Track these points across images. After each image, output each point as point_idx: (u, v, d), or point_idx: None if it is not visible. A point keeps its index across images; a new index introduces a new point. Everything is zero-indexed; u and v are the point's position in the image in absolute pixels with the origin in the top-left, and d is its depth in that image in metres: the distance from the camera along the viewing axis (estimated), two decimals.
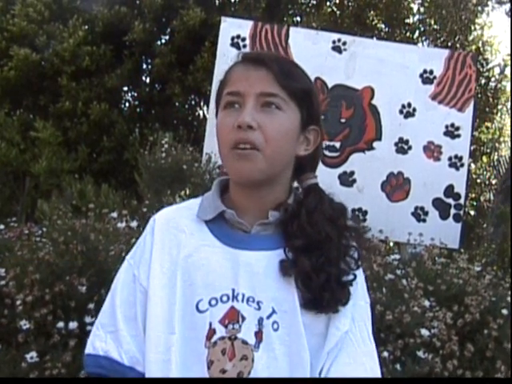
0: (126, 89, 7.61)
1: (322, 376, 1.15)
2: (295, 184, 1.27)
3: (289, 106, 1.17)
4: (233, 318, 1.13)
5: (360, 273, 1.22)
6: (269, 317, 1.13)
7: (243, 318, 1.13)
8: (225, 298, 1.14)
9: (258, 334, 1.12)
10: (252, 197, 1.20)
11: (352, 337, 1.17)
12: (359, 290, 1.21)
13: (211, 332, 1.12)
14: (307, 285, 1.14)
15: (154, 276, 1.18)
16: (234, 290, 1.14)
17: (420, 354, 2.63)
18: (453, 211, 4.64)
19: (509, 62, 8.07)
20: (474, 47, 7.75)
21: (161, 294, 1.16)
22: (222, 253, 1.17)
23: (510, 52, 7.94)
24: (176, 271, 1.17)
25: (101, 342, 1.18)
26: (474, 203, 7.49)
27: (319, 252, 1.16)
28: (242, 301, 1.14)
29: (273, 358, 1.12)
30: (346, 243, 1.20)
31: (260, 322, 1.13)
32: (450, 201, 4.64)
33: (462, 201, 4.67)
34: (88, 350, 1.20)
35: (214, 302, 1.14)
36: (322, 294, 1.13)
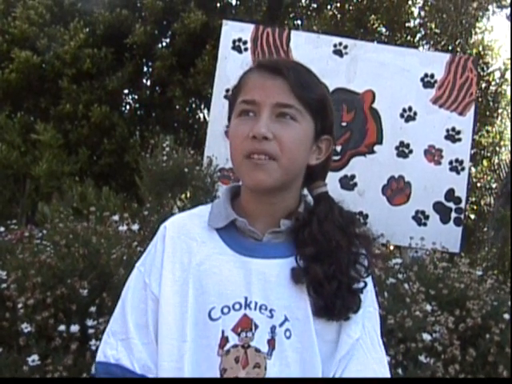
0: (126, 91, 7.61)
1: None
2: (305, 192, 1.27)
3: (303, 117, 1.17)
4: (246, 326, 1.13)
5: (369, 279, 1.23)
6: (281, 325, 1.14)
7: (256, 326, 1.13)
8: (237, 306, 1.14)
9: (271, 342, 1.13)
10: (263, 204, 1.20)
11: (362, 344, 1.18)
12: (369, 297, 1.22)
13: (224, 340, 1.13)
14: (319, 292, 1.14)
15: (165, 284, 1.18)
16: (246, 298, 1.15)
17: (422, 358, 2.63)
18: (453, 215, 4.64)
19: (509, 66, 8.08)
20: (474, 51, 7.76)
21: (172, 302, 1.16)
22: (234, 261, 1.17)
23: (510, 56, 7.96)
24: (188, 279, 1.17)
25: (112, 349, 1.18)
26: (475, 207, 7.49)
27: (330, 260, 1.17)
28: (255, 309, 1.14)
29: (285, 366, 1.13)
30: (355, 251, 1.20)
31: (273, 329, 1.13)
32: (451, 205, 4.64)
33: (462, 205, 4.67)
34: (99, 357, 1.20)
35: (226, 310, 1.14)
36: (333, 302, 1.14)
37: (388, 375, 1.20)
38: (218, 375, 1.11)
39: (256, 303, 1.14)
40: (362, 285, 1.19)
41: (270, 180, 1.14)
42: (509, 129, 8.39)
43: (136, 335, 1.18)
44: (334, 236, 1.18)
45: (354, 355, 1.17)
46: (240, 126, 1.17)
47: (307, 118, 1.17)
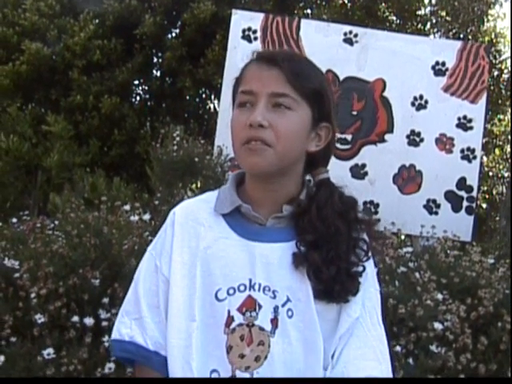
0: (136, 82, 7.63)
1: (334, 359, 1.21)
2: (308, 178, 1.31)
3: (299, 106, 1.21)
4: (250, 306, 1.19)
5: (370, 262, 1.27)
6: (284, 305, 1.20)
7: (260, 306, 1.19)
8: (242, 288, 1.20)
9: (274, 321, 1.19)
10: (265, 190, 1.25)
11: (362, 322, 1.23)
12: (369, 278, 1.26)
13: (230, 319, 1.19)
14: (318, 277, 1.20)
15: (174, 266, 1.24)
16: (250, 280, 1.21)
17: (433, 347, 2.62)
18: (465, 204, 4.62)
19: None
20: (486, 39, 7.68)
21: (181, 284, 1.23)
22: (239, 245, 1.23)
23: None
24: (196, 262, 1.24)
25: (126, 328, 1.25)
26: (487, 196, 7.44)
27: (329, 246, 1.21)
28: (259, 290, 1.20)
29: (288, 344, 1.18)
30: (355, 236, 1.25)
31: (275, 309, 1.19)
32: (463, 193, 4.62)
33: (474, 193, 4.65)
34: (114, 335, 1.27)
35: (231, 291, 1.20)
36: (332, 286, 1.19)
37: (387, 352, 1.25)
38: (224, 352, 1.18)
39: (260, 285, 1.20)
40: (360, 269, 1.23)
41: (265, 164, 1.19)
42: None
43: (148, 315, 1.24)
44: (333, 222, 1.23)
45: (353, 333, 1.22)
46: (239, 116, 1.23)
47: (303, 106, 1.22)
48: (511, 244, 4.07)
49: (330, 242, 1.21)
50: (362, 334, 1.22)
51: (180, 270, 1.23)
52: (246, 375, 1.17)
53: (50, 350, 2.43)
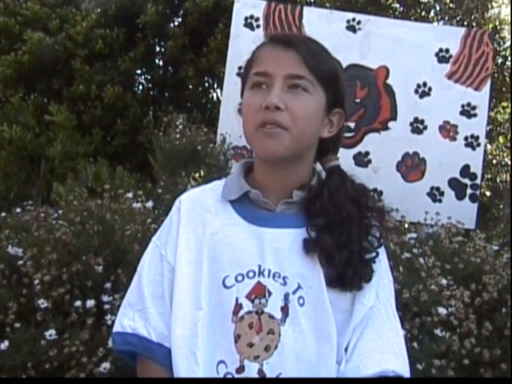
0: (139, 72, 7.59)
1: (349, 352, 1.17)
2: (318, 165, 1.29)
3: (315, 89, 1.18)
4: (259, 292, 1.15)
5: (383, 251, 1.24)
6: (294, 292, 1.16)
7: (269, 293, 1.15)
8: (251, 274, 1.16)
9: (284, 309, 1.15)
10: (277, 176, 1.22)
11: (377, 313, 1.19)
12: (382, 269, 1.23)
13: (238, 307, 1.15)
14: (330, 262, 1.16)
15: (180, 254, 1.21)
16: (260, 266, 1.17)
17: (437, 332, 2.62)
18: (469, 191, 4.59)
19: None
20: (490, 26, 7.62)
21: (187, 272, 1.19)
22: (248, 231, 1.19)
23: None
24: (202, 249, 1.20)
25: (129, 320, 1.21)
26: (490, 184, 7.41)
27: (341, 230, 1.18)
28: (269, 276, 1.16)
29: (299, 333, 1.14)
30: (368, 222, 1.22)
31: (286, 297, 1.15)
32: (466, 181, 4.60)
33: (478, 181, 4.63)
34: (116, 328, 1.23)
35: (240, 278, 1.16)
36: (344, 271, 1.16)
37: (403, 345, 1.21)
38: (232, 341, 1.14)
39: (269, 271, 1.16)
40: (373, 255, 1.20)
41: (281, 148, 1.16)
42: None
43: (152, 305, 1.20)
44: (345, 207, 1.19)
45: (368, 324, 1.18)
46: (253, 97, 1.19)
47: (319, 89, 1.19)
48: None
49: (341, 227, 1.18)
50: (377, 326, 1.18)
51: (186, 257, 1.20)
52: (255, 365, 1.13)
53: (52, 332, 2.44)
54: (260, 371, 1.13)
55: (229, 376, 1.13)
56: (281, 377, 1.12)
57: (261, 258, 1.17)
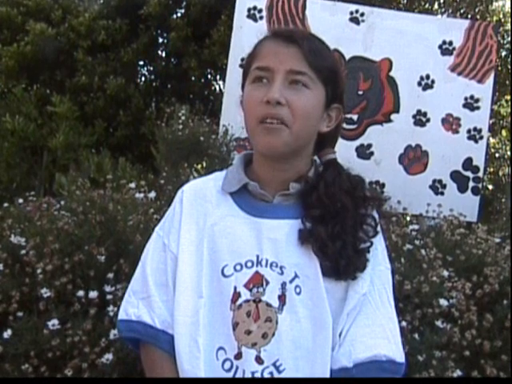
0: (141, 63, 7.58)
1: (342, 337, 1.19)
2: (315, 158, 1.32)
3: (315, 85, 1.21)
4: (257, 281, 1.19)
5: (379, 240, 1.26)
6: (291, 281, 1.18)
7: (267, 282, 1.18)
8: (249, 264, 1.20)
9: (282, 298, 1.18)
10: (276, 169, 1.25)
11: (371, 299, 1.21)
12: (379, 256, 1.25)
13: (236, 295, 1.18)
14: (324, 252, 1.18)
15: (183, 243, 1.24)
16: (258, 256, 1.20)
17: (438, 323, 2.63)
18: (471, 184, 4.59)
19: None
20: (494, 18, 7.59)
21: (189, 261, 1.22)
22: (246, 222, 1.23)
23: None
24: (203, 239, 1.23)
25: (133, 308, 1.25)
26: (492, 177, 7.40)
27: (335, 221, 1.21)
28: (266, 266, 1.19)
29: (296, 321, 1.17)
30: (363, 212, 1.24)
31: (283, 285, 1.18)
32: (469, 174, 4.59)
33: (480, 174, 4.62)
34: (121, 316, 1.27)
35: (238, 268, 1.20)
36: (338, 261, 1.18)
37: (397, 332, 1.23)
38: (230, 329, 1.17)
39: (267, 260, 1.19)
40: (368, 244, 1.22)
41: (280, 144, 1.19)
42: None
43: (156, 293, 1.23)
44: (340, 198, 1.22)
45: (361, 310, 1.20)
46: (254, 91, 1.21)
47: (319, 85, 1.22)
48: None
49: (335, 218, 1.21)
50: (371, 312, 1.20)
51: (188, 247, 1.23)
52: (253, 352, 1.16)
53: (55, 321, 2.45)
54: (257, 358, 1.16)
55: (227, 362, 1.16)
56: (277, 363, 1.15)
57: (259, 248, 1.20)
